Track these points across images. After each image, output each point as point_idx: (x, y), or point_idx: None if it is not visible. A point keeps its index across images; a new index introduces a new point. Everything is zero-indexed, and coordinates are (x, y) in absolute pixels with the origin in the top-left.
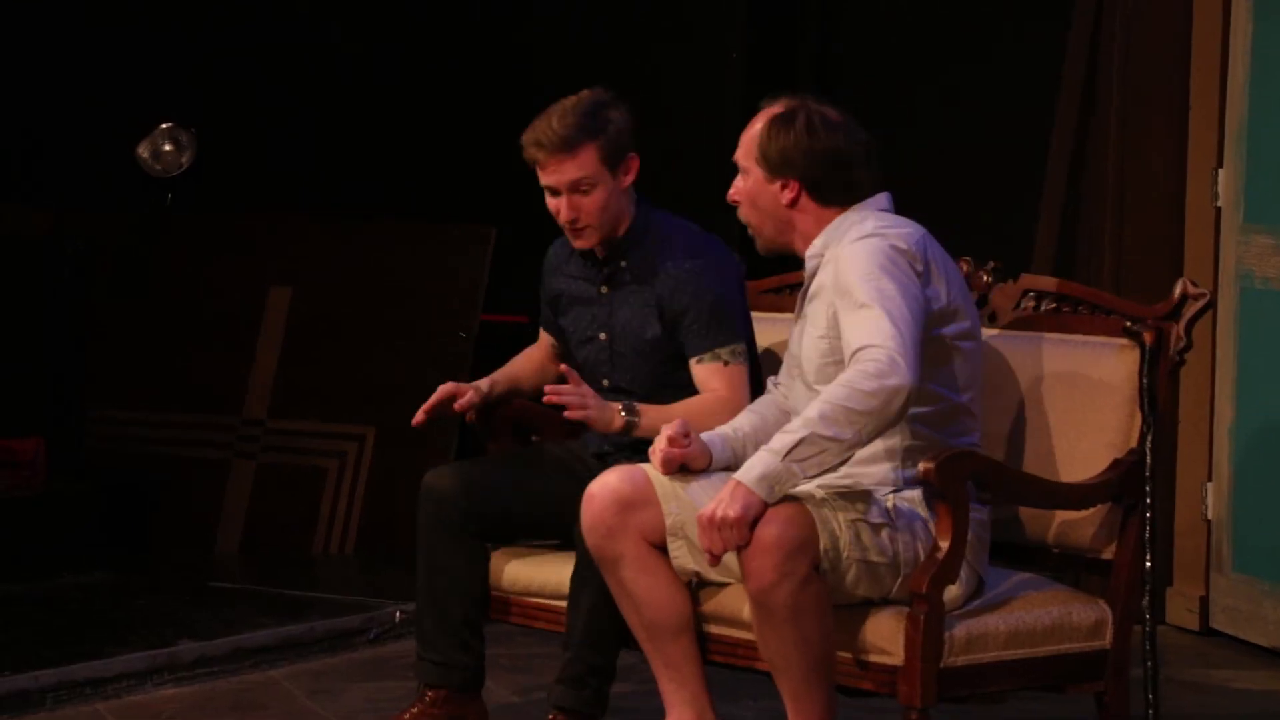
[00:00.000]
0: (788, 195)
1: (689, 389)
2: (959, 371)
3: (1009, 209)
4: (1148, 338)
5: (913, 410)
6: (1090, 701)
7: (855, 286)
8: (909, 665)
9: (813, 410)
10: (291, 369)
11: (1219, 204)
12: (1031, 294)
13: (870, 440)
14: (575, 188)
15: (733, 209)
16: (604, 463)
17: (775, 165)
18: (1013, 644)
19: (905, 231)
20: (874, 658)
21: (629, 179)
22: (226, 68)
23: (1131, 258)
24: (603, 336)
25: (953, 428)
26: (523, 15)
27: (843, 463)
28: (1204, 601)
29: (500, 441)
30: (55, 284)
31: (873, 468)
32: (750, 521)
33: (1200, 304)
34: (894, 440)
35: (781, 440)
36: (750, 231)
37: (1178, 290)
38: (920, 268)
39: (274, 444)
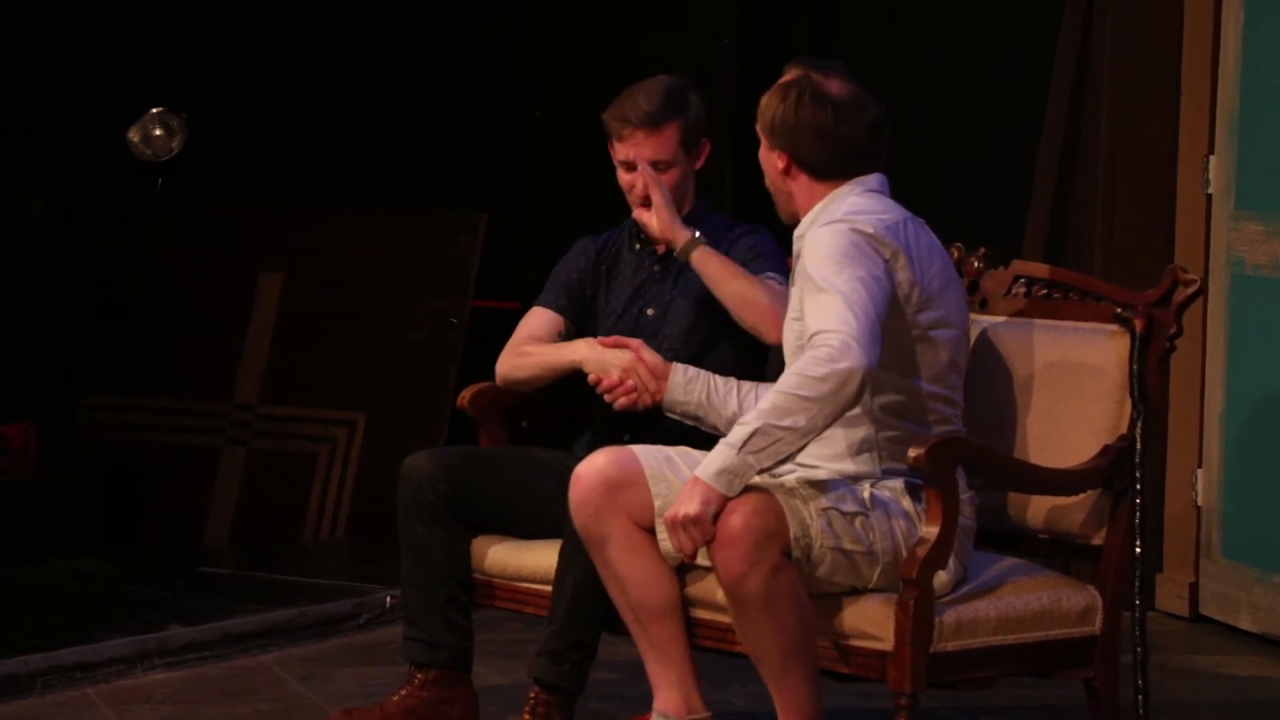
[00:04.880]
0: (780, 164)
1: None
2: (931, 360)
3: (1001, 195)
4: (1138, 324)
5: (882, 399)
6: (1080, 687)
7: (815, 271)
8: (899, 650)
9: (766, 401)
10: (282, 355)
11: (1210, 191)
12: (1022, 280)
13: (827, 425)
14: (653, 165)
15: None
16: None
17: (770, 135)
18: (1002, 629)
19: (877, 216)
20: (863, 643)
21: (699, 163)
22: (219, 55)
23: (1122, 244)
24: (650, 311)
25: (929, 417)
26: (518, 4)
27: (799, 450)
28: (1193, 588)
29: (491, 429)
30: (47, 272)
31: (850, 460)
32: (710, 516)
33: (1191, 290)
34: (868, 431)
35: (737, 433)
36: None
37: (1168, 277)
38: (887, 252)
39: (265, 430)
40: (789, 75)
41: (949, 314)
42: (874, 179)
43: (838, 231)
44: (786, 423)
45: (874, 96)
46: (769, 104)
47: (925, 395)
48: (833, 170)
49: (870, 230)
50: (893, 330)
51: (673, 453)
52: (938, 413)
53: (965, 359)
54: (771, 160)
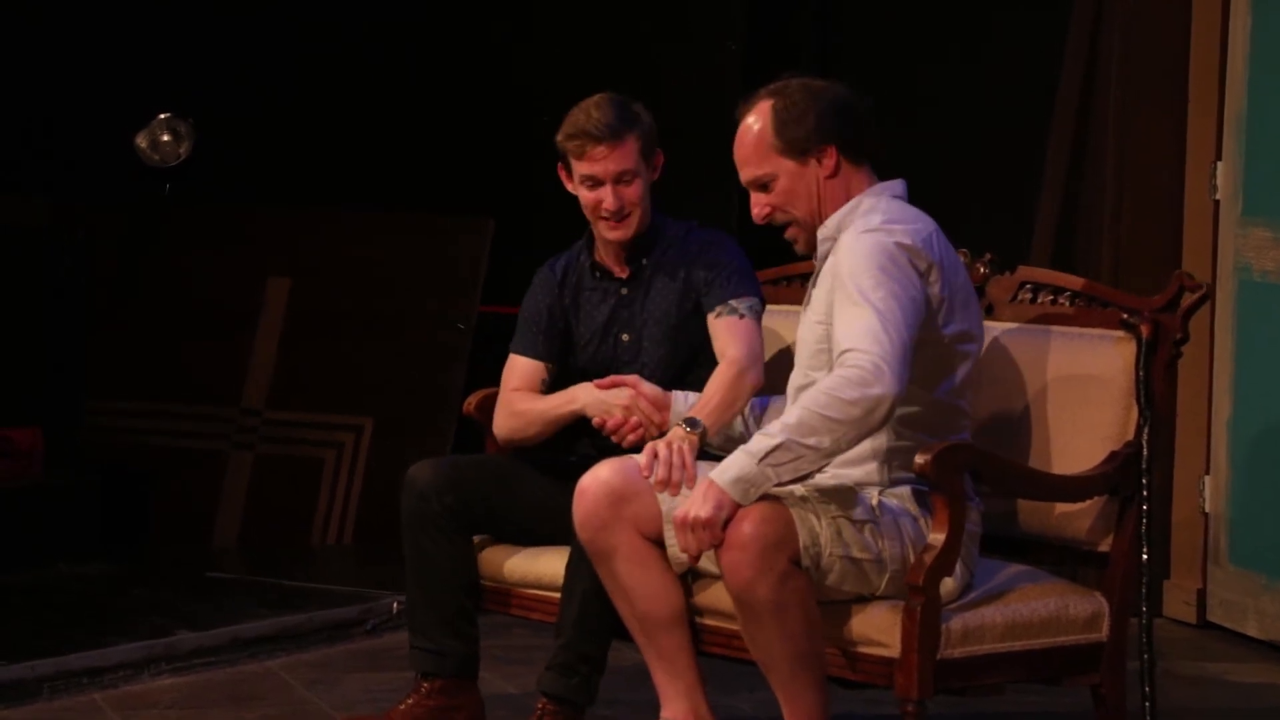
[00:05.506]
0: (828, 164)
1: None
2: (955, 374)
3: (1007, 201)
4: (1144, 330)
5: (903, 410)
6: (1087, 694)
7: (852, 282)
8: (906, 658)
9: (792, 416)
10: (289, 360)
11: (1217, 197)
12: (1028, 286)
13: (850, 447)
14: (620, 177)
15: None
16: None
17: (802, 143)
18: (1009, 636)
19: (914, 227)
20: (870, 650)
21: (655, 175)
22: (225, 58)
23: (1129, 250)
24: (625, 336)
25: (942, 428)
26: (520, 11)
27: (820, 469)
28: (1201, 594)
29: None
30: (54, 274)
31: (859, 467)
32: (721, 522)
33: (1197, 296)
34: (882, 440)
35: (759, 443)
36: (791, 234)
37: (1174, 283)
38: (923, 265)
39: (272, 435)
40: (764, 96)
41: (971, 327)
42: (899, 185)
43: (878, 242)
44: (810, 441)
45: None
46: (781, 118)
47: (942, 407)
48: (867, 145)
49: (909, 242)
50: (919, 342)
51: None
52: (951, 424)
53: (978, 372)
54: (810, 174)
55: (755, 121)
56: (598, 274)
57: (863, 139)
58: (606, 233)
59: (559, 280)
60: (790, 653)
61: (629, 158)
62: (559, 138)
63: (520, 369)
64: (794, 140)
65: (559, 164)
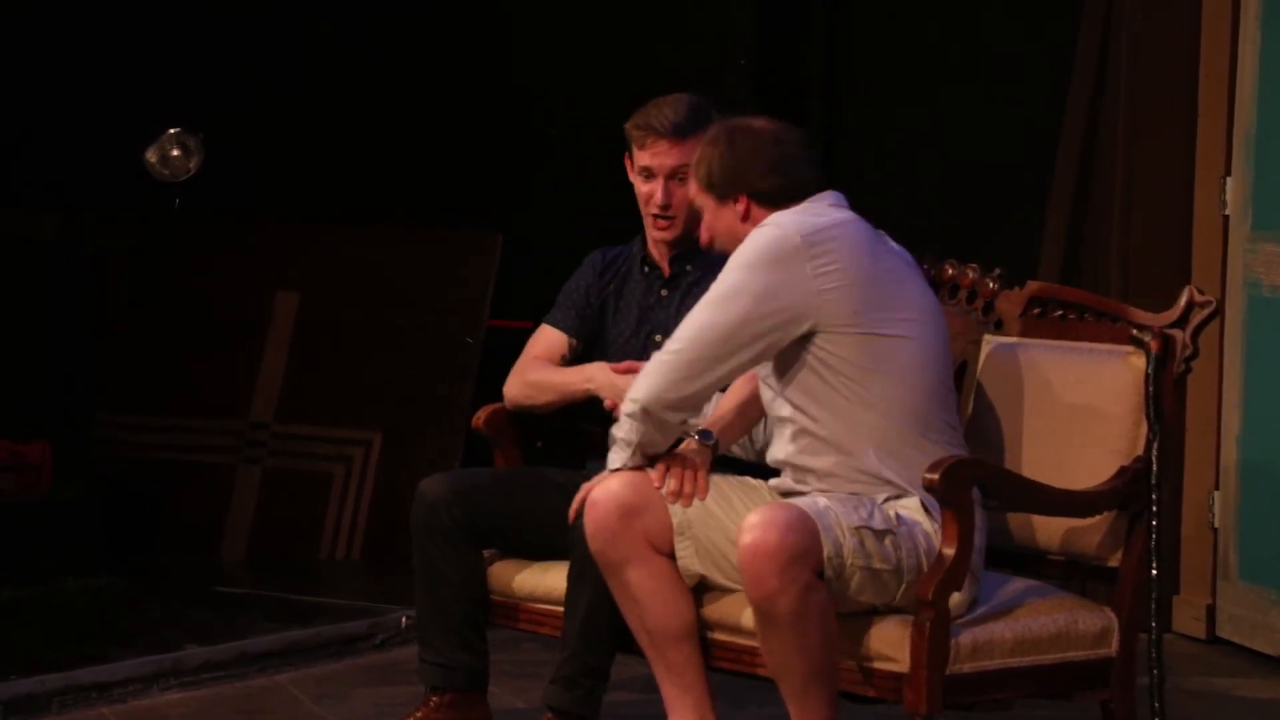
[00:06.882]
0: (740, 209)
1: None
2: (929, 374)
3: (1016, 215)
4: (1154, 345)
5: (889, 419)
6: (1096, 709)
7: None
8: (915, 672)
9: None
10: (298, 374)
11: (1227, 212)
12: (1037, 301)
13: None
14: (674, 174)
15: None
16: None
17: (719, 187)
18: (1018, 651)
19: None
20: (880, 665)
21: None
22: (234, 72)
23: (1138, 265)
24: (658, 337)
25: (937, 435)
26: (528, 24)
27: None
28: (1210, 610)
29: (506, 449)
30: (62, 287)
31: (868, 483)
32: None
33: (1206, 311)
34: (880, 450)
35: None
36: None
37: (1184, 298)
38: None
39: (280, 449)
40: (712, 130)
41: (903, 328)
42: (829, 195)
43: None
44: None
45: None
46: (702, 158)
47: (930, 413)
48: (790, 192)
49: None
50: (879, 342)
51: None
52: (945, 432)
53: (950, 375)
54: (726, 214)
55: (697, 156)
56: (646, 268)
57: (778, 188)
58: (652, 230)
59: (604, 265)
60: (805, 666)
61: (688, 157)
62: (628, 123)
63: (546, 338)
64: (712, 184)
65: (626, 152)
